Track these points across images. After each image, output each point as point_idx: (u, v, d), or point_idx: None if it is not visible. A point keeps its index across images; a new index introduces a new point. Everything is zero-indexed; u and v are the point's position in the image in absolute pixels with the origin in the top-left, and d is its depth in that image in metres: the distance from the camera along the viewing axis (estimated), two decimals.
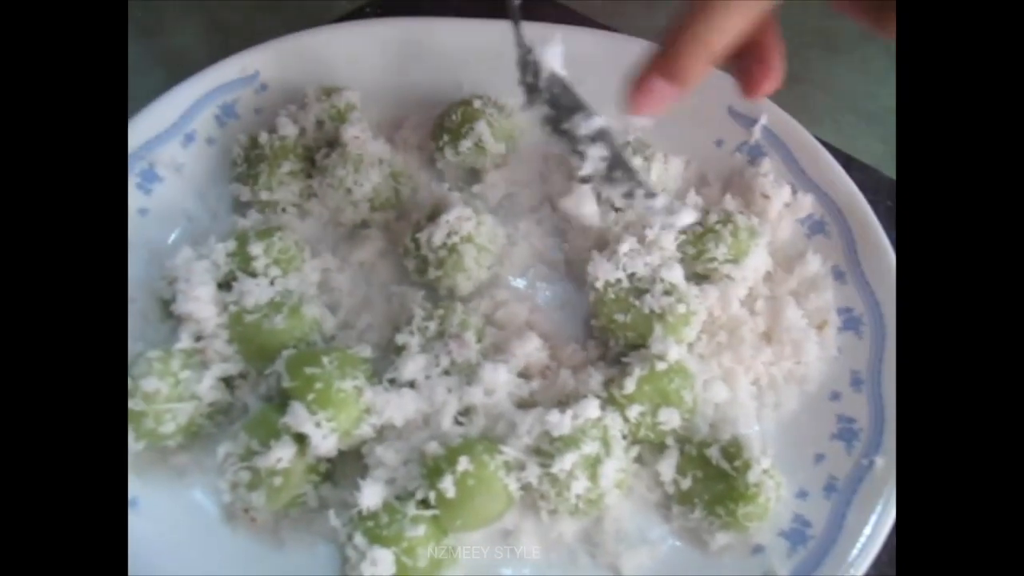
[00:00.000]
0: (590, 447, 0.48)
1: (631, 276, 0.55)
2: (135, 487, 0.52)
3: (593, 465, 0.48)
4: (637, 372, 0.51)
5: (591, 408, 0.49)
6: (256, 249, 0.56)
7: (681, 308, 0.53)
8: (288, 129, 0.61)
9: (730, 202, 0.61)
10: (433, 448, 0.49)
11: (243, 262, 0.56)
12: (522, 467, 0.48)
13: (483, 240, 0.56)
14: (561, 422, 0.48)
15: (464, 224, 0.55)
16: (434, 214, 0.57)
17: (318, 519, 0.51)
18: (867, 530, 0.49)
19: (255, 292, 0.54)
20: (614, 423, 0.50)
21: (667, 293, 0.53)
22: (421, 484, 0.48)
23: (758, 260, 0.57)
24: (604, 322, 0.55)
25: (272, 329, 0.53)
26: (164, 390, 0.50)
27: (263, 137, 0.61)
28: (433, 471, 0.48)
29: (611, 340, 0.56)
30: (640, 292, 0.54)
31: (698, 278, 0.58)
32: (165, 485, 0.53)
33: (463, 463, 0.47)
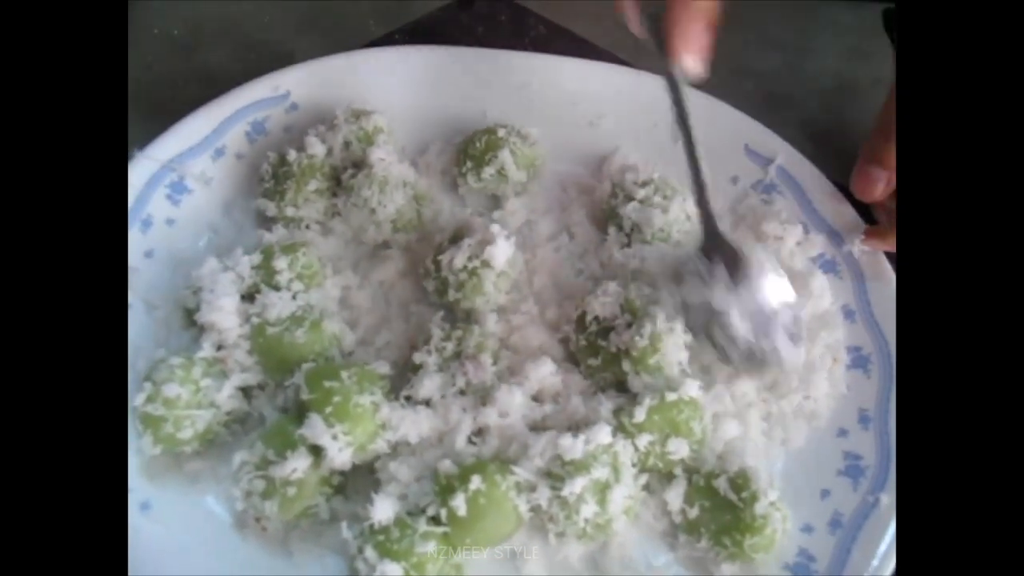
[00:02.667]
0: (600, 472, 0.49)
1: (595, 319, 0.56)
2: (148, 491, 0.53)
3: (602, 490, 0.49)
4: (647, 401, 0.51)
5: (603, 434, 0.50)
6: (281, 263, 0.57)
7: (642, 340, 0.53)
8: (316, 148, 0.63)
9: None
10: (446, 466, 0.49)
11: (267, 275, 0.57)
12: (533, 489, 0.49)
13: (503, 265, 0.58)
14: (573, 446, 0.49)
15: (485, 248, 0.57)
16: (456, 237, 0.59)
17: (328, 531, 0.51)
18: (871, 567, 0.50)
19: (278, 305, 0.55)
20: (624, 450, 0.51)
21: (629, 326, 0.54)
22: (433, 501, 0.48)
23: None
24: (584, 370, 0.56)
25: (293, 342, 0.54)
26: (184, 396, 0.51)
27: (291, 155, 0.62)
28: (445, 488, 0.48)
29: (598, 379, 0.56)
30: (606, 332, 0.55)
31: None
32: (178, 490, 0.53)
33: (475, 482, 0.48)
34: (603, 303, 0.56)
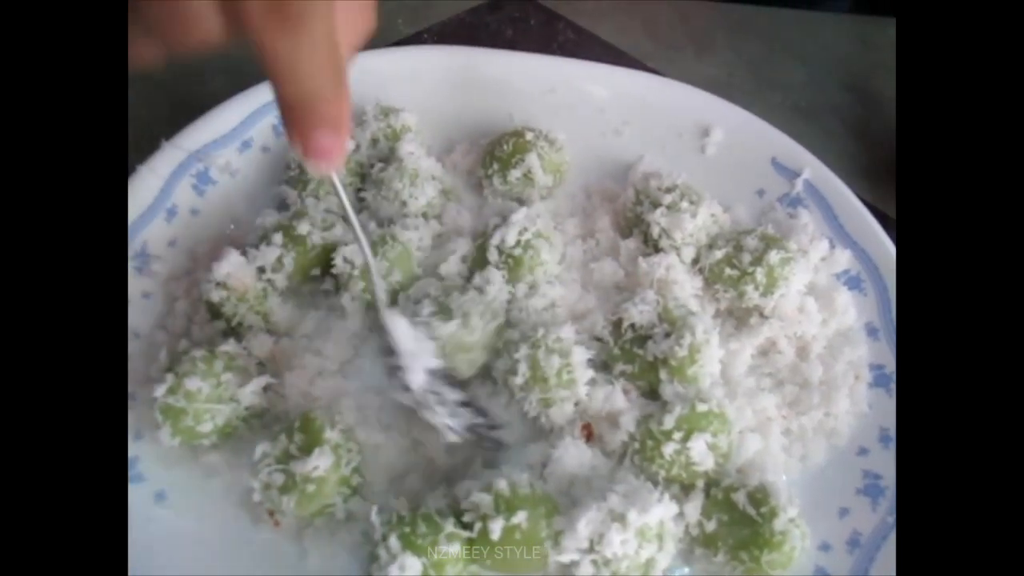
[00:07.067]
0: (647, 551, 0.47)
1: (632, 326, 0.55)
2: (164, 481, 0.53)
3: (646, 566, 0.48)
4: (678, 411, 0.51)
5: (653, 514, 0.47)
6: (304, 227, 0.58)
7: (681, 350, 0.53)
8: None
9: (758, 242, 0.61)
10: (502, 487, 0.48)
11: (299, 243, 0.58)
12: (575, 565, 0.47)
13: (554, 238, 0.59)
14: (625, 542, 0.46)
15: (536, 222, 0.58)
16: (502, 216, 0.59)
17: (342, 530, 0.51)
18: None
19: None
20: (668, 513, 0.48)
21: (668, 335, 0.54)
22: (472, 507, 0.48)
23: (791, 289, 0.58)
24: (616, 376, 0.55)
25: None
26: (206, 390, 0.51)
27: None
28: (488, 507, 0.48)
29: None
30: (643, 340, 0.55)
31: (736, 321, 0.60)
32: (194, 482, 0.53)
33: (520, 517, 0.47)
34: (641, 311, 0.55)
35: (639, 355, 0.55)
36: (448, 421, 0.52)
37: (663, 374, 0.53)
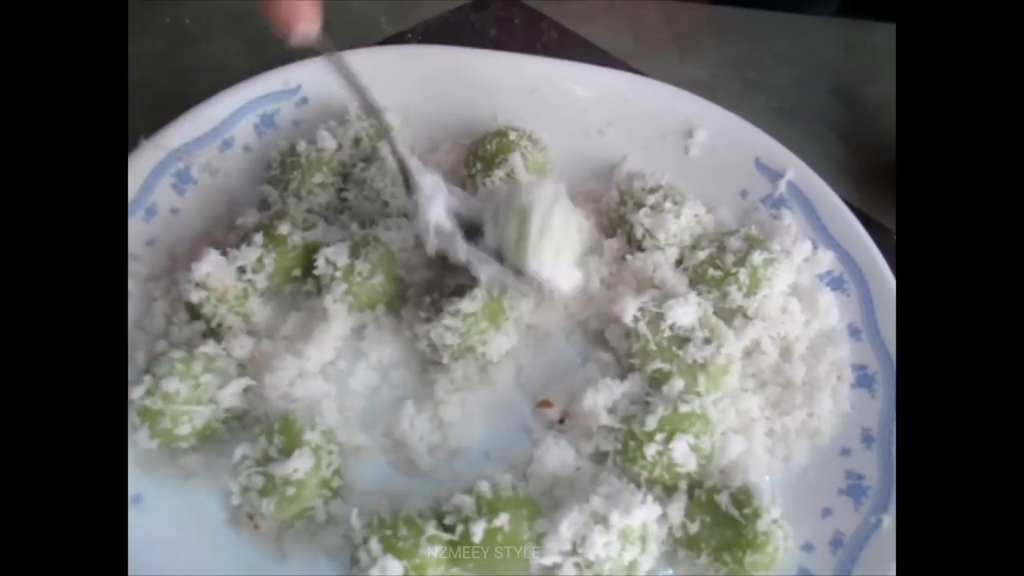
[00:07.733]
0: (630, 553, 0.47)
1: (671, 325, 0.55)
2: (142, 484, 0.52)
3: (629, 568, 0.48)
4: (660, 411, 0.51)
5: (636, 516, 0.47)
6: (284, 227, 0.57)
7: (722, 359, 0.54)
8: (327, 142, 0.63)
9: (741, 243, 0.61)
10: (483, 488, 0.48)
11: (279, 243, 0.57)
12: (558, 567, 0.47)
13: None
14: (607, 544, 0.46)
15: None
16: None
17: (322, 533, 0.51)
18: None
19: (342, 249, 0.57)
20: (651, 513, 0.49)
21: (707, 341, 0.54)
22: (453, 510, 0.48)
23: (774, 290, 0.58)
24: (648, 371, 0.55)
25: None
26: (184, 392, 0.51)
27: (301, 146, 0.62)
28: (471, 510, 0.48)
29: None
30: (683, 341, 0.54)
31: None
32: (172, 485, 0.53)
33: (502, 519, 0.47)
34: (685, 312, 0.55)
35: (678, 355, 0.54)
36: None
37: (702, 380, 0.54)
